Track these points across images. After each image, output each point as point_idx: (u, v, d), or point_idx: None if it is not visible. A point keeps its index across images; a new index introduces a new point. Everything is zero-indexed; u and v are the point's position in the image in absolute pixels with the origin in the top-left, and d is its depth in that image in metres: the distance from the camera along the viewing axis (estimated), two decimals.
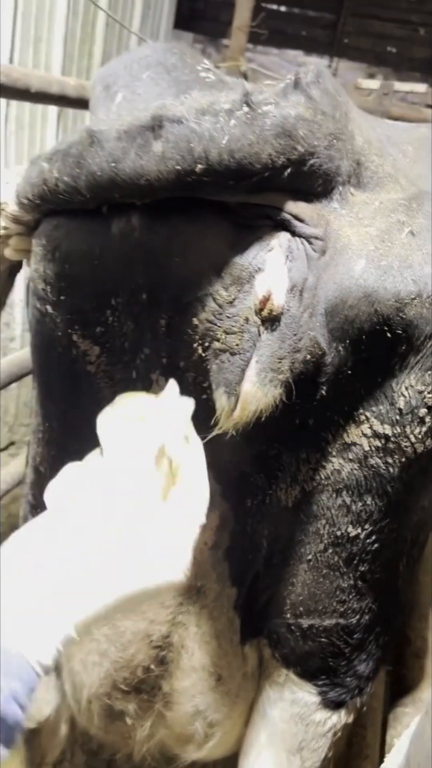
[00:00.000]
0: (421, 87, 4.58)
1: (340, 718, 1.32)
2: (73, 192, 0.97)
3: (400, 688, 1.65)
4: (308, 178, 0.95)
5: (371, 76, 12.55)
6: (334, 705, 1.31)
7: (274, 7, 10.30)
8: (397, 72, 10.86)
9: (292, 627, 1.25)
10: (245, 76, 4.19)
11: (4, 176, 1.27)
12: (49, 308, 1.08)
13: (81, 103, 2.46)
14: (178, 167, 0.89)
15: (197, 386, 1.08)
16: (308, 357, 0.97)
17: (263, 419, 0.99)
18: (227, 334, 0.99)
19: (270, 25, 8.81)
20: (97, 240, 1.01)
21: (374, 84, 4.31)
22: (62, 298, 1.05)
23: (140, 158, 0.91)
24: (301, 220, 0.96)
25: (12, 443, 4.53)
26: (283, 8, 10.37)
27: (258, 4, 5.52)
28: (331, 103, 0.96)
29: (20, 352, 3.09)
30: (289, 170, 0.92)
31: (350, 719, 1.34)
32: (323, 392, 1.03)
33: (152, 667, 1.40)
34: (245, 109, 0.89)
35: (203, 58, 1.55)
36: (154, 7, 5.48)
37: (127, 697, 1.46)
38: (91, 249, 1.01)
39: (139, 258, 1.01)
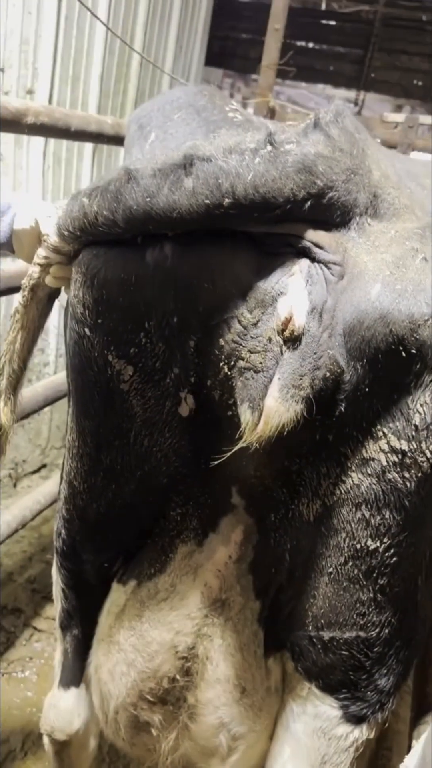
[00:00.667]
0: None
1: (362, 733, 1.34)
2: (111, 224, 1.05)
3: (424, 706, 1.65)
4: (327, 210, 1.03)
5: (399, 108, 12.72)
6: (356, 719, 1.34)
7: (302, 43, 10.57)
8: (424, 104, 11.01)
9: (314, 639, 1.28)
10: (273, 112, 4.33)
11: (46, 210, 1.38)
12: (87, 331, 1.16)
13: (117, 140, 2.59)
14: (208, 201, 0.97)
15: (223, 403, 1.14)
16: (328, 374, 1.03)
17: (285, 434, 1.05)
18: (251, 353, 1.06)
19: (298, 60, 9.05)
20: (132, 268, 1.10)
21: (400, 117, 4.40)
22: (99, 321, 1.14)
23: (173, 193, 0.99)
24: (320, 247, 1.03)
25: (44, 466, 4.63)
26: (311, 44, 10.65)
27: (286, 42, 5.68)
28: (349, 141, 1.03)
29: (54, 377, 3.20)
30: (309, 203, 0.99)
31: (372, 735, 1.36)
32: (342, 409, 1.08)
33: (178, 677, 1.44)
34: (269, 147, 0.97)
35: (231, 100, 1.65)
36: (185, 46, 5.70)
37: (152, 707, 1.50)
38: (127, 276, 1.10)
39: (171, 284, 1.09)
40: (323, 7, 11.81)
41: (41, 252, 1.26)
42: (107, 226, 1.07)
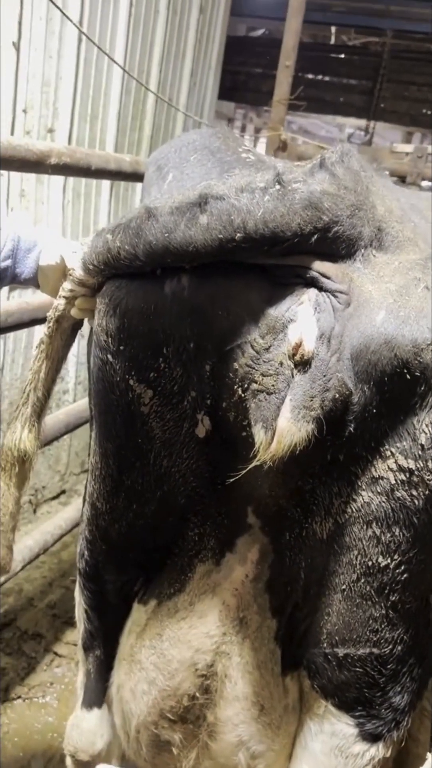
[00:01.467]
0: None
1: (378, 752, 1.36)
2: (133, 258, 1.13)
3: None
4: (333, 243, 1.10)
5: (409, 135, 12.89)
6: (372, 738, 1.36)
7: (312, 76, 10.81)
8: None
9: (329, 656, 1.31)
10: (285, 144, 4.45)
11: (71, 246, 1.46)
12: (109, 357, 1.23)
13: (134, 177, 2.70)
14: (221, 236, 1.05)
15: (237, 424, 1.20)
16: (337, 396, 1.09)
17: (297, 453, 1.11)
18: (264, 376, 1.12)
19: (309, 93, 9.25)
20: (152, 298, 1.17)
21: (409, 148, 4.51)
22: (121, 348, 1.21)
23: (189, 229, 1.07)
24: (327, 277, 1.10)
25: (63, 492, 4.68)
26: (321, 77, 10.88)
27: (297, 75, 5.84)
28: (353, 179, 1.11)
29: (75, 404, 3.28)
30: (316, 236, 1.07)
31: (388, 753, 1.38)
32: (352, 429, 1.14)
33: (197, 695, 1.47)
34: (277, 186, 1.05)
35: (244, 141, 1.74)
36: (199, 81, 5.87)
37: (173, 726, 1.53)
38: (147, 305, 1.17)
39: (188, 312, 1.16)
40: (332, 40, 12.10)
41: (67, 285, 1.34)
42: (129, 259, 1.15)
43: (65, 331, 1.43)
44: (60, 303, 1.37)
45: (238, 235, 1.06)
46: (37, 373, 1.43)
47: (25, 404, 1.44)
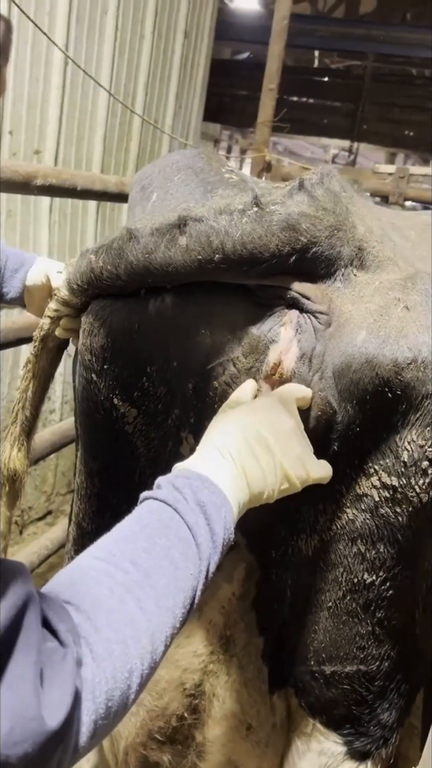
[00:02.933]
0: None
1: None
2: (115, 278, 1.15)
3: None
4: (312, 263, 1.12)
5: (392, 156, 13.12)
6: (361, 755, 1.36)
7: (296, 98, 11.00)
8: (416, 153, 11.36)
9: (316, 674, 1.31)
10: (270, 166, 4.52)
11: (56, 267, 1.47)
12: (94, 376, 1.24)
13: (120, 197, 2.73)
14: (200, 257, 1.07)
15: None
16: (320, 414, 1.10)
17: None
18: None
19: (293, 115, 9.40)
20: (136, 317, 1.19)
21: (391, 168, 4.59)
22: (106, 366, 1.22)
23: (168, 250, 1.09)
24: (307, 298, 1.12)
25: (49, 512, 4.65)
26: (304, 99, 11.08)
27: (281, 98, 5.93)
28: (333, 200, 1.13)
29: (61, 423, 3.28)
30: (294, 257, 1.09)
31: None
32: (335, 447, 1.15)
33: (186, 715, 1.46)
34: (255, 209, 1.08)
35: (228, 162, 1.77)
36: (184, 104, 5.96)
37: (162, 747, 1.52)
38: (131, 324, 1.19)
39: (172, 332, 1.17)
40: (316, 64, 12.34)
41: (52, 305, 1.35)
42: (111, 279, 1.17)
43: (51, 351, 1.44)
44: (45, 323, 1.38)
45: (217, 256, 1.08)
46: (25, 392, 1.44)
47: (13, 423, 1.44)
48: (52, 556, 3.15)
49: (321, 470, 1.11)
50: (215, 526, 0.94)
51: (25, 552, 2.96)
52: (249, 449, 1.03)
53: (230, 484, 1.00)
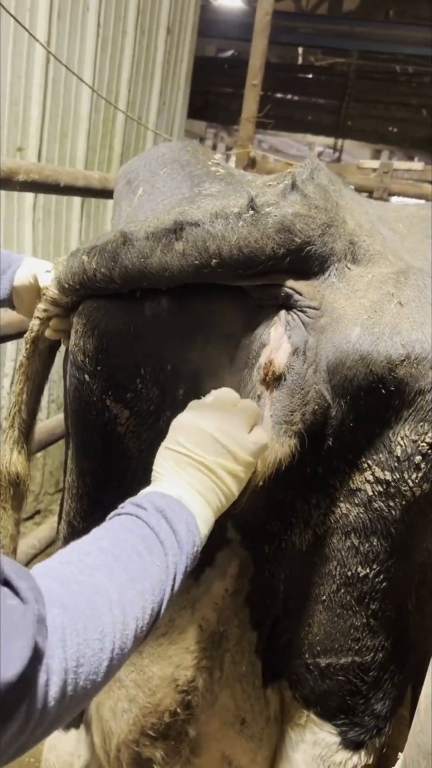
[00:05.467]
0: (418, 165, 4.89)
1: (360, 759, 1.37)
2: (109, 281, 1.15)
3: None
4: (306, 262, 1.13)
5: (377, 152, 13.18)
6: (354, 745, 1.37)
7: (280, 95, 11.01)
8: (400, 149, 11.42)
9: (311, 666, 1.32)
10: (254, 162, 4.52)
11: (44, 266, 1.46)
12: (86, 377, 1.23)
13: (104, 194, 2.72)
14: (197, 262, 1.07)
15: None
16: (316, 407, 1.11)
17: (283, 469, 1.12)
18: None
19: (278, 111, 9.42)
20: (131, 319, 1.18)
21: (375, 164, 4.62)
22: (99, 368, 1.21)
23: (165, 255, 1.09)
24: (299, 294, 1.12)
25: (37, 512, 4.63)
26: (289, 96, 11.09)
27: (265, 95, 5.94)
28: (323, 197, 1.14)
29: (47, 421, 3.26)
30: (288, 258, 1.09)
31: (370, 761, 1.39)
32: (330, 443, 1.16)
33: (179, 711, 1.46)
34: (251, 212, 1.08)
35: (214, 154, 1.76)
36: (168, 101, 5.94)
37: (155, 743, 1.52)
38: (126, 327, 1.19)
39: (167, 335, 1.17)
40: (300, 61, 12.35)
41: (41, 306, 1.34)
42: (105, 282, 1.16)
43: (43, 352, 1.43)
44: (35, 324, 1.37)
45: (214, 261, 1.08)
46: (20, 395, 1.43)
47: (11, 427, 1.44)
48: (39, 555, 3.14)
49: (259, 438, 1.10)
50: (178, 527, 0.98)
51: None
52: (189, 462, 1.08)
53: (188, 497, 1.04)
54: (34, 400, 1.45)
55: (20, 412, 1.44)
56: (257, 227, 1.07)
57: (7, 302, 1.58)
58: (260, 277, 1.12)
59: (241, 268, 1.09)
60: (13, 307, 1.61)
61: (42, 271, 1.50)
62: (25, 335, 1.40)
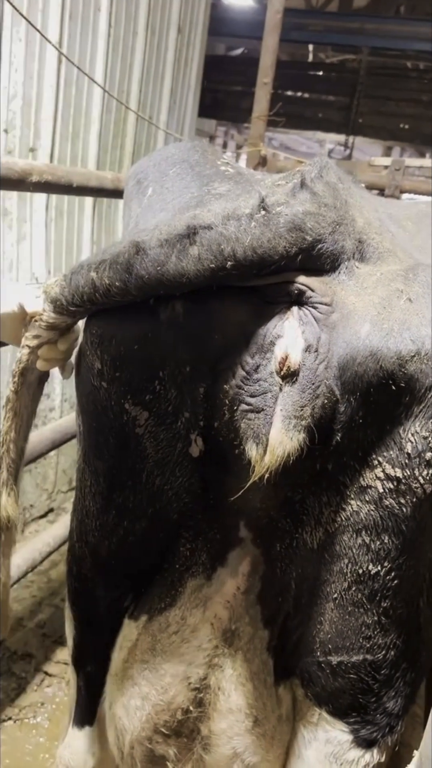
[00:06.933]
0: (430, 162, 4.85)
1: (372, 757, 1.37)
2: (124, 293, 1.14)
3: None
4: (317, 260, 1.13)
5: (389, 149, 13.11)
6: (367, 743, 1.37)
7: (291, 93, 10.97)
8: (412, 146, 11.35)
9: (322, 664, 1.33)
10: (265, 160, 4.51)
11: (31, 292, 1.38)
12: (104, 384, 1.24)
13: (116, 194, 2.73)
14: (213, 266, 1.07)
15: (229, 443, 1.22)
16: (326, 402, 1.11)
17: (291, 463, 1.12)
18: (253, 396, 1.14)
19: (288, 109, 9.40)
20: (147, 327, 1.19)
21: (387, 161, 4.59)
22: (117, 374, 1.22)
23: (180, 261, 1.08)
24: (312, 290, 1.12)
25: (51, 510, 4.65)
26: (300, 94, 11.05)
27: (276, 92, 5.93)
28: (332, 195, 1.14)
29: (61, 421, 3.27)
30: (300, 256, 1.09)
31: (383, 758, 1.39)
32: (339, 439, 1.16)
33: (191, 708, 1.47)
34: (262, 212, 1.08)
35: (222, 153, 1.77)
36: (179, 100, 5.95)
37: (167, 740, 1.53)
38: (143, 334, 1.19)
39: (184, 338, 1.18)
40: (310, 58, 12.30)
41: (31, 333, 1.28)
42: (120, 294, 1.14)
43: (32, 385, 1.37)
44: (24, 354, 1.31)
45: (229, 263, 1.08)
46: (8, 434, 1.35)
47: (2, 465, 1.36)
48: (53, 553, 3.16)
49: None
50: None
51: (27, 549, 2.96)
52: None
53: None
54: (23, 437, 1.38)
55: (8, 451, 1.36)
56: (269, 227, 1.07)
57: None
58: (273, 276, 1.12)
59: (255, 268, 1.09)
60: None
61: (29, 297, 1.39)
62: (12, 368, 1.34)
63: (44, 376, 1.39)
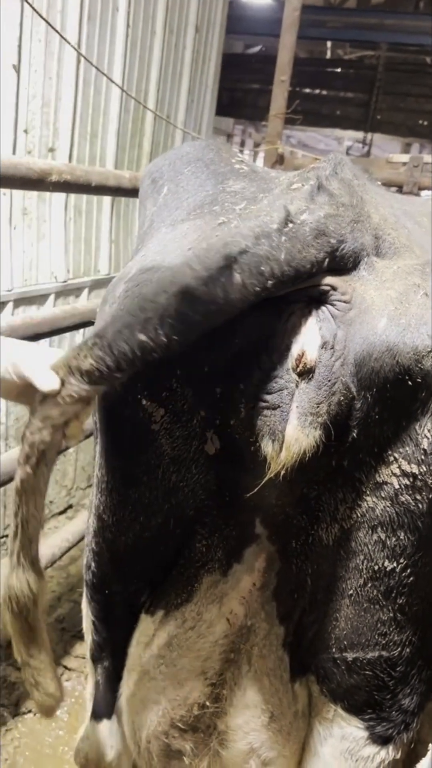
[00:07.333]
0: None
1: (388, 754, 1.37)
2: (184, 342, 1.06)
3: None
4: (341, 260, 1.14)
5: (407, 146, 13.01)
6: (382, 740, 1.37)
7: (308, 90, 10.94)
8: (431, 142, 11.24)
9: (338, 661, 1.33)
10: (282, 158, 4.51)
11: (28, 355, 1.20)
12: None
13: (134, 193, 2.74)
14: (257, 288, 1.05)
15: (245, 440, 1.22)
16: (342, 399, 1.11)
17: (306, 460, 1.13)
18: (269, 394, 1.14)
19: (306, 107, 9.36)
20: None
21: (405, 158, 4.57)
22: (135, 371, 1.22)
23: (229, 293, 1.04)
24: (334, 289, 1.12)
25: (70, 506, 4.70)
26: (318, 91, 11.02)
27: (293, 90, 5.92)
28: (348, 192, 1.14)
29: None
30: (327, 259, 1.10)
31: (398, 755, 1.39)
32: (355, 435, 1.16)
33: (207, 704, 1.48)
34: (290, 225, 1.07)
35: (237, 152, 1.77)
36: (196, 99, 5.96)
37: (184, 735, 1.54)
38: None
39: (203, 337, 1.17)
40: (328, 55, 12.26)
41: (55, 411, 1.10)
42: (181, 344, 1.06)
43: (52, 460, 1.18)
44: (45, 434, 1.11)
45: (269, 282, 1.06)
46: (26, 518, 1.18)
47: (17, 547, 1.19)
48: (72, 548, 3.19)
49: None
50: None
51: (46, 545, 2.99)
52: None
53: None
54: (41, 509, 1.21)
55: (25, 532, 1.18)
56: (298, 238, 1.06)
57: None
58: (303, 282, 1.12)
59: (291, 281, 1.09)
60: None
61: (30, 366, 1.16)
62: (24, 449, 1.14)
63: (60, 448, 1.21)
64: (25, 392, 1.18)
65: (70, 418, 1.11)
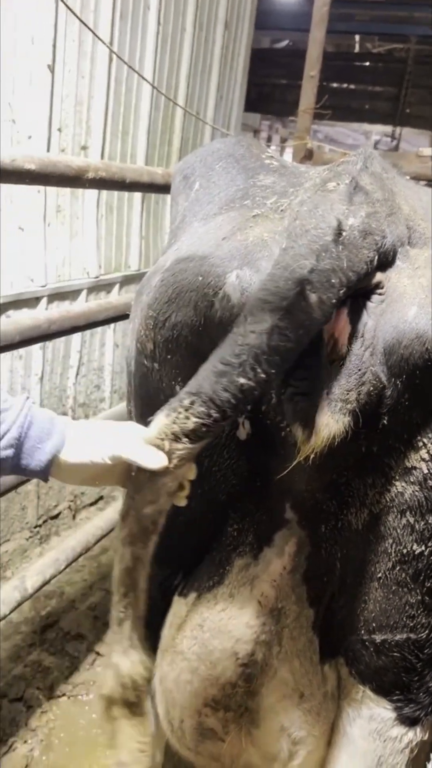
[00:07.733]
0: None
1: (416, 735, 1.40)
2: (280, 374, 1.09)
3: None
4: (384, 255, 1.16)
5: None
6: (410, 721, 1.40)
7: (336, 85, 10.87)
8: None
9: (366, 643, 1.36)
10: (311, 153, 4.51)
11: (141, 439, 1.17)
12: (156, 365, 1.30)
13: (166, 189, 2.79)
14: (333, 301, 1.07)
15: (276, 426, 1.26)
16: (371, 389, 1.14)
17: (336, 446, 1.16)
18: (300, 380, 1.18)
19: (334, 101, 9.31)
20: (202, 313, 1.23)
21: None
22: (169, 357, 1.27)
23: (311, 318, 1.06)
24: (378, 285, 1.16)
25: (101, 498, 4.78)
26: (345, 85, 10.94)
27: (322, 85, 5.90)
28: (380, 186, 1.17)
29: (110, 411, 3.37)
30: (376, 257, 1.13)
31: (426, 736, 1.42)
32: (385, 422, 1.19)
33: (239, 683, 1.52)
34: (344, 233, 1.09)
35: (267, 147, 1.80)
36: (225, 95, 5.99)
37: (216, 714, 1.58)
38: (197, 320, 1.23)
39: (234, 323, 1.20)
40: (357, 49, 12.17)
41: (167, 479, 1.16)
42: (279, 376, 1.10)
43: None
44: (162, 504, 1.20)
45: (341, 292, 1.08)
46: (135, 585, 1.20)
47: (124, 624, 1.20)
48: (104, 538, 3.26)
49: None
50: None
51: (81, 532, 3.07)
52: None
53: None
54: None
55: (137, 601, 1.20)
56: (352, 243, 1.09)
57: (41, 474, 1.25)
58: (362, 282, 1.14)
59: (354, 285, 1.11)
60: (46, 479, 1.28)
61: (130, 452, 1.17)
62: (130, 530, 1.20)
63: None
64: (120, 474, 1.22)
65: (182, 480, 1.16)
